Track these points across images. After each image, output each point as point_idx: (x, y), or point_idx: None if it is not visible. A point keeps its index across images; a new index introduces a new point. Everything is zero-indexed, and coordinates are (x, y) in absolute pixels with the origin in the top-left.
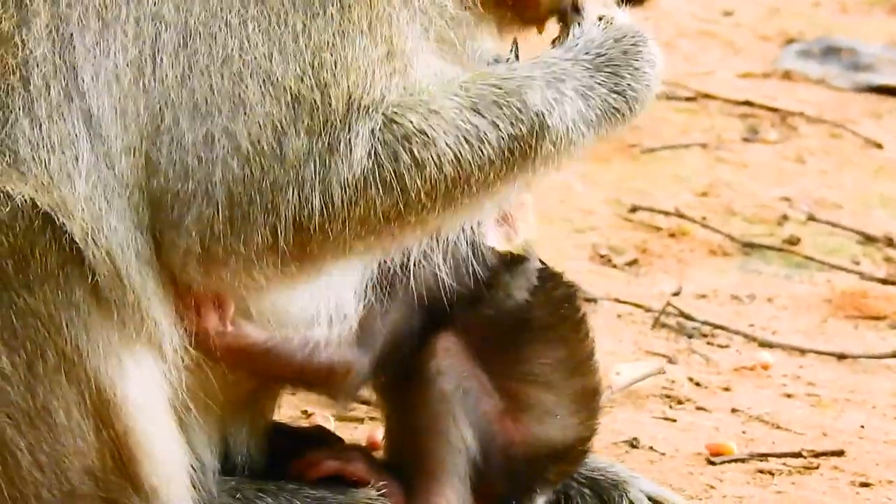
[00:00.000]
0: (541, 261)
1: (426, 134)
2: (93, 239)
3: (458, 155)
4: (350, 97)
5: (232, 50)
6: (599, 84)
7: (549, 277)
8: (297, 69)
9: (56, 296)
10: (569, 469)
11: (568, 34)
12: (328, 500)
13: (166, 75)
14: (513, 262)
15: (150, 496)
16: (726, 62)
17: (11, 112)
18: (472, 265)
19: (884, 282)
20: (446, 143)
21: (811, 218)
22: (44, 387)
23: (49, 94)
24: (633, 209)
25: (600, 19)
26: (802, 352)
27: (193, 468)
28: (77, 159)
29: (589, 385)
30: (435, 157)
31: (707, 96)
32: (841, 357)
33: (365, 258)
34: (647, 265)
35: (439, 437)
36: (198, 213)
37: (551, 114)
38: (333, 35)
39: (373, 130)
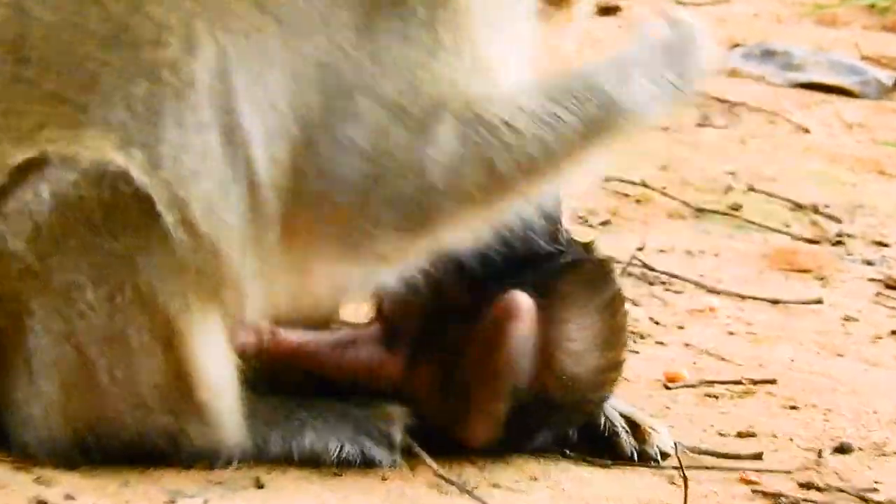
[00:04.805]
0: (576, 241)
1: (509, 123)
2: (193, 224)
3: (541, 137)
4: (436, 98)
5: (349, 75)
6: (664, 67)
7: (582, 257)
8: (398, 86)
9: (135, 242)
10: (574, 418)
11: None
12: (352, 414)
13: (309, 102)
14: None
15: (203, 409)
16: None
17: (161, 117)
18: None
19: (810, 241)
20: (528, 129)
21: (751, 189)
22: (122, 316)
23: (201, 110)
24: (606, 179)
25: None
26: (743, 297)
27: (243, 388)
28: (205, 162)
29: (613, 359)
30: (520, 141)
31: None
32: (774, 302)
33: (479, 225)
34: (617, 225)
35: (498, 386)
36: (333, 206)
37: (621, 96)
38: (426, 55)
39: (459, 116)
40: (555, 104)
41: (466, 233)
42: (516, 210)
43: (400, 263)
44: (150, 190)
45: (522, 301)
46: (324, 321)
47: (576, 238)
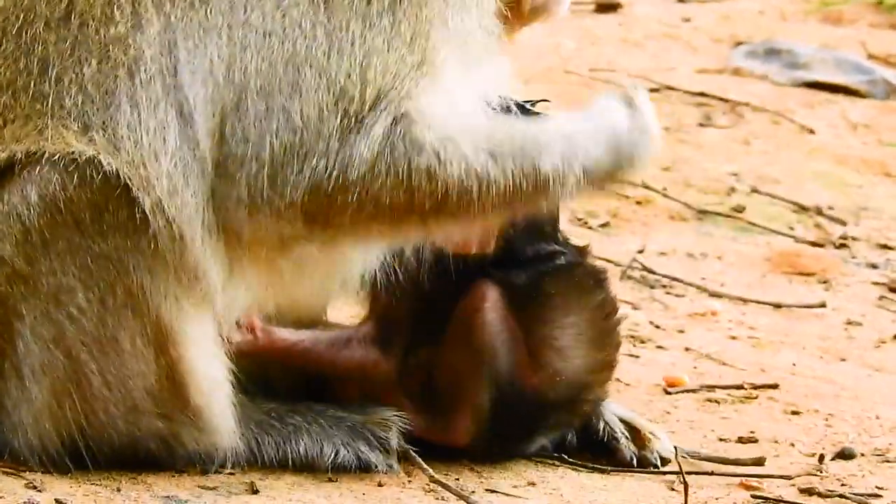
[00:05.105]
0: (570, 244)
1: (439, 155)
2: (163, 209)
3: (465, 187)
4: (381, 89)
5: (300, 47)
6: (604, 159)
7: (578, 259)
8: (349, 67)
9: (125, 243)
10: (570, 419)
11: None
12: (347, 419)
13: (248, 68)
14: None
15: (196, 413)
16: (685, 60)
17: (116, 98)
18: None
19: (813, 244)
20: (457, 172)
21: (754, 190)
22: (113, 319)
23: (152, 86)
24: None
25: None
26: (745, 301)
27: (236, 391)
28: (165, 141)
29: (602, 358)
30: (443, 178)
31: (669, 88)
32: (777, 306)
33: (375, 244)
34: (617, 227)
35: (476, 376)
36: (248, 169)
37: (557, 179)
38: (382, 43)
39: (394, 120)
40: (492, 157)
41: (365, 243)
42: (418, 240)
43: (296, 251)
44: (122, 174)
45: (488, 288)
46: (313, 321)
47: (572, 241)
